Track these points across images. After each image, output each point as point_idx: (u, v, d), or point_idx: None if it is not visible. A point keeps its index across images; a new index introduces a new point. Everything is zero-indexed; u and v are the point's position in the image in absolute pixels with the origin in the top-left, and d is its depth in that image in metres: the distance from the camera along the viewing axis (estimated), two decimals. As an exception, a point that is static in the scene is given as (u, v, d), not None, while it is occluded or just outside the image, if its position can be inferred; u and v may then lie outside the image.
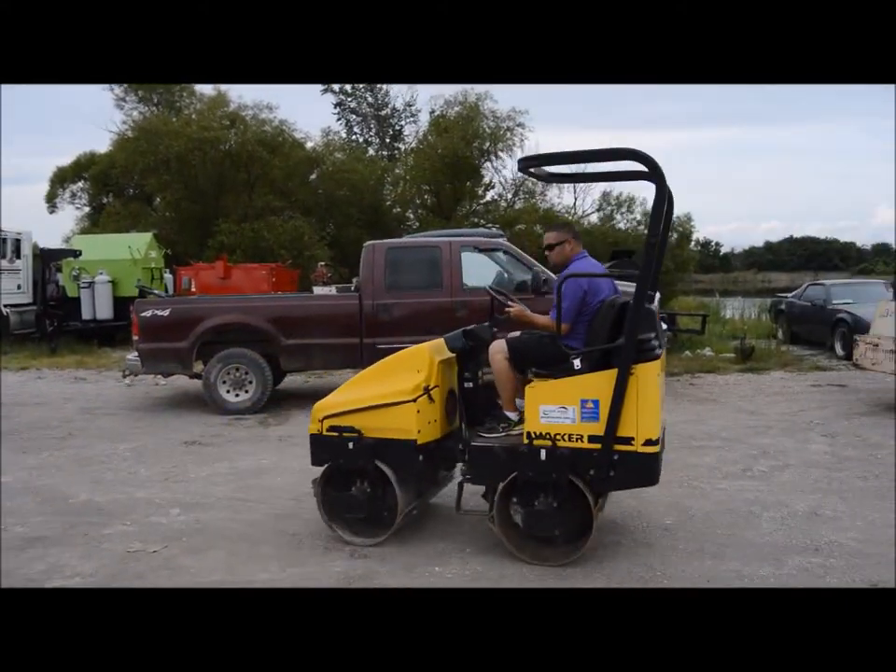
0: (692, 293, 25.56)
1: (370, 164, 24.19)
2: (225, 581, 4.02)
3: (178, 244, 21.21)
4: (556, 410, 4.12)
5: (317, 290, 11.33)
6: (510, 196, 23.80)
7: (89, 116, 66.80)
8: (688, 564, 4.19)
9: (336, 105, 31.15)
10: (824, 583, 3.90)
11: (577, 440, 4.10)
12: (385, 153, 29.53)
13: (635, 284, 3.99)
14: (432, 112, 24.47)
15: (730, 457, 6.44)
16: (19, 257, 16.87)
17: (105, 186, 27.63)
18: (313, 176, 24.00)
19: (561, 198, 24.75)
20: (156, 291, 13.15)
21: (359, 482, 4.49)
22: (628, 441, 4.04)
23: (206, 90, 26.25)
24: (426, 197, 23.83)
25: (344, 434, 4.46)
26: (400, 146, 29.99)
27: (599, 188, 22.26)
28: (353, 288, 9.37)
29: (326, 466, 4.57)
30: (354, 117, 31.39)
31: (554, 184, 5.12)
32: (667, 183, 3.86)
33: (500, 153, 22.95)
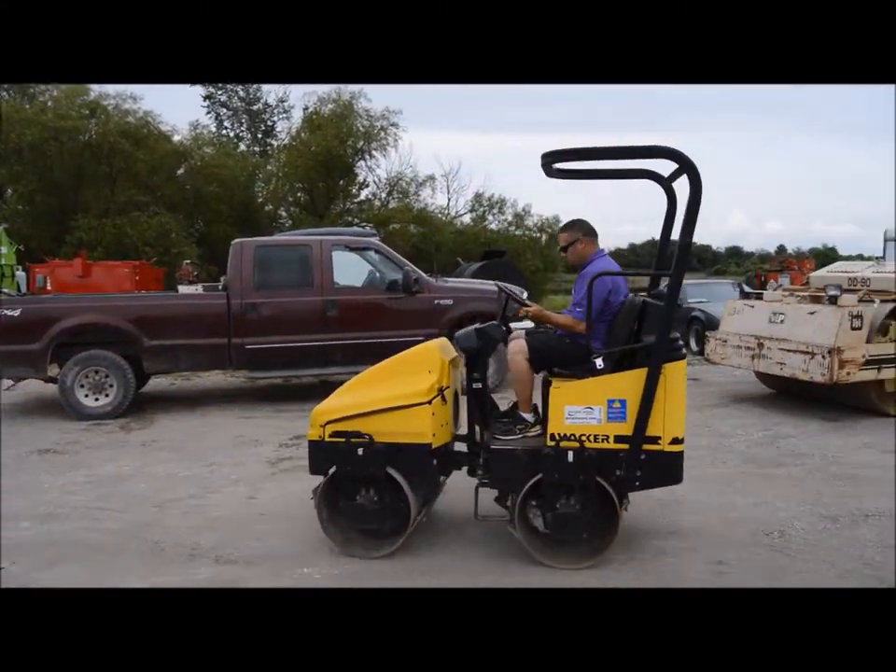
0: (560, 292, 26.32)
1: (241, 160, 23.62)
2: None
3: (32, 239, 19.98)
4: (582, 410, 4.05)
5: (183, 289, 10.97)
6: (384, 195, 23.85)
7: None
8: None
9: (205, 98, 30.22)
10: (679, 562, 4.14)
11: (603, 440, 4.05)
12: (256, 149, 28.89)
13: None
14: (305, 109, 24.19)
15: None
16: None
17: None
18: (180, 171, 23.20)
19: (434, 198, 24.99)
20: (6, 290, 12.33)
21: (365, 490, 4.22)
22: (655, 440, 4.03)
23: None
24: (299, 195, 23.52)
25: (353, 440, 4.18)
26: (273, 142, 29.43)
27: (472, 189, 22.67)
28: (220, 287, 9.12)
29: (329, 475, 4.24)
30: (224, 111, 30.54)
31: (565, 179, 4.65)
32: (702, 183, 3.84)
33: (374, 152, 22.96)
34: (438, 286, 9.34)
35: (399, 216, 21.40)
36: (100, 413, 8.13)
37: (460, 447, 4.54)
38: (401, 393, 4.20)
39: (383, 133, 22.70)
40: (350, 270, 9.03)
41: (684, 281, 10.85)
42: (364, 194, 24.34)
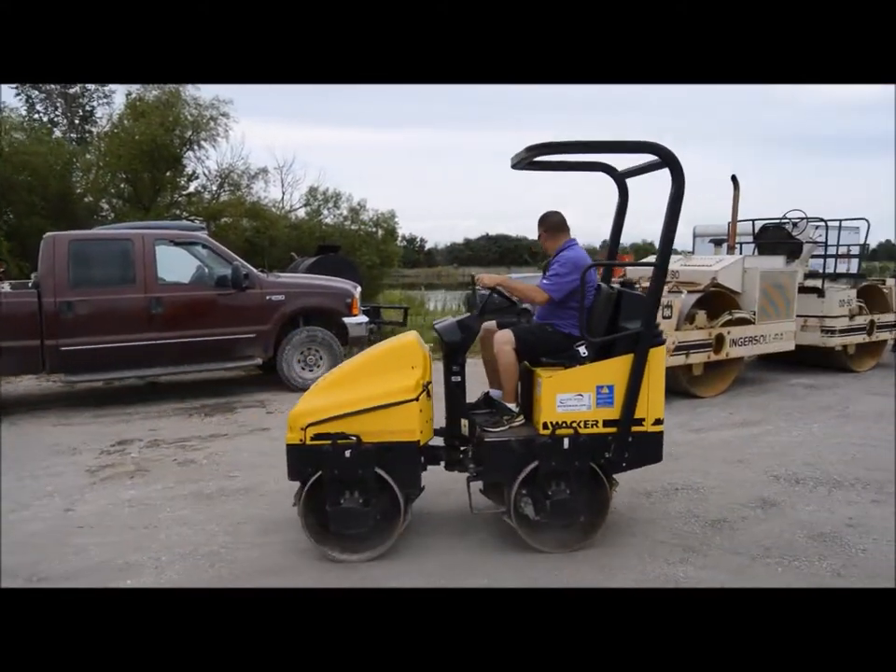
0: (398, 287, 26.54)
1: (55, 147, 21.92)
2: None
3: None
4: (573, 398, 4.15)
5: (-12, 287, 10.10)
6: (214, 188, 22.98)
7: None
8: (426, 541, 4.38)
9: (12, 80, 27.84)
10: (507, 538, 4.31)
11: (593, 425, 4.18)
12: (73, 136, 26.98)
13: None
14: (128, 94, 22.83)
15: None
16: None
17: None
18: (-15, 158, 21.29)
19: (268, 192, 24.42)
20: None
21: (350, 493, 4.07)
22: (640, 422, 4.22)
23: None
24: (122, 186, 22.20)
25: (339, 441, 4.03)
26: (92, 129, 27.57)
27: (307, 182, 22.33)
28: (30, 285, 8.49)
29: (312, 479, 4.08)
30: (36, 93, 28.28)
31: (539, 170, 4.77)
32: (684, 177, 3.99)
33: (204, 142, 22.07)
34: (269, 281, 9.18)
35: (231, 209, 20.71)
36: None
37: (435, 441, 4.47)
38: (387, 390, 4.11)
39: (212, 123, 21.83)
40: (176, 265, 8.68)
41: (513, 276, 11.34)
42: (193, 186, 23.31)
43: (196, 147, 22.22)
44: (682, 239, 14.42)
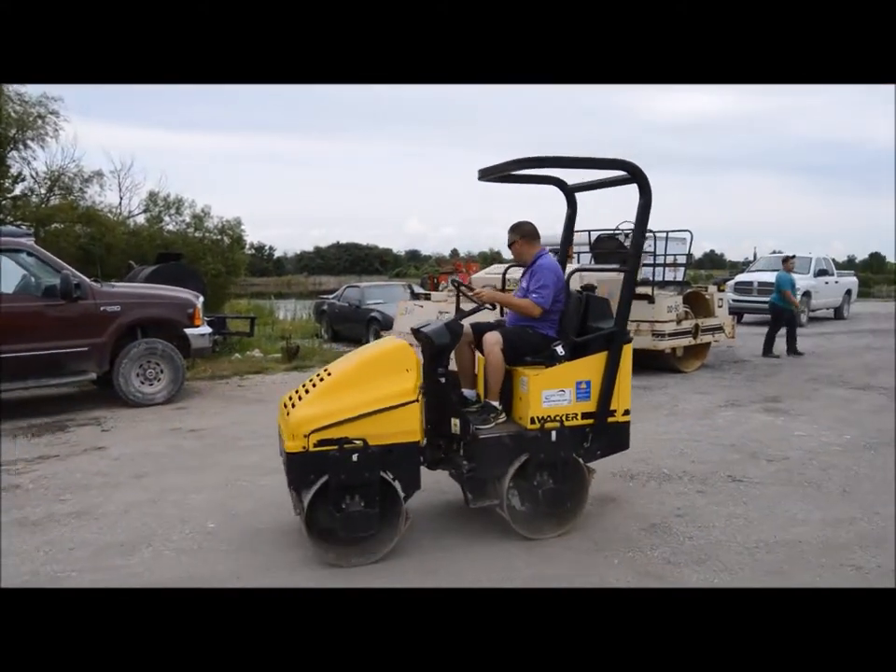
0: (246, 296, 25.88)
1: None
2: None
3: None
4: (556, 393, 4.49)
5: None
6: (43, 191, 21.50)
7: None
8: (224, 562, 4.29)
9: None
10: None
11: (573, 418, 4.54)
12: None
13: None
14: (-60, 89, 20.98)
15: (273, 453, 6.66)
16: None
17: None
18: None
19: (104, 196, 23.04)
20: None
21: (350, 497, 4.11)
22: (612, 413, 4.64)
23: None
24: (-65, 187, 20.35)
25: (346, 446, 4.05)
26: None
27: (147, 187, 21.31)
28: None
29: (318, 485, 4.05)
30: None
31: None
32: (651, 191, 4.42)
33: (30, 142, 20.59)
34: (103, 291, 8.69)
35: (62, 214, 19.38)
36: None
37: None
38: (388, 393, 4.19)
39: (40, 121, 20.44)
40: (-2, 274, 8.06)
41: (362, 284, 11.26)
42: (19, 189, 21.68)
43: (22, 147, 20.70)
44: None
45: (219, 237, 18.60)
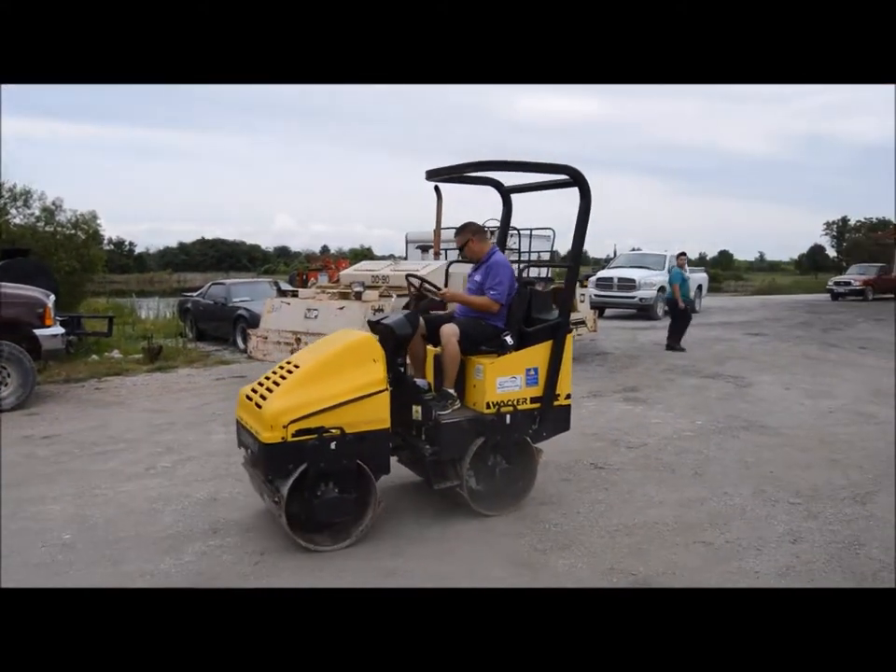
0: (106, 294, 24.64)
1: None
2: None
3: None
4: (508, 380, 4.85)
5: None
6: None
7: None
8: (87, 574, 4.09)
9: None
10: (222, 561, 4.23)
11: (523, 402, 4.90)
12: None
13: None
14: None
15: (134, 458, 6.44)
16: None
17: None
18: None
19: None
20: None
21: (324, 484, 4.29)
22: (556, 397, 5.05)
23: None
24: None
25: (325, 434, 4.19)
26: None
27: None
28: None
29: (296, 473, 4.18)
30: None
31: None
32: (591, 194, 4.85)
33: None
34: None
35: None
36: None
37: None
38: (360, 383, 4.36)
39: None
40: None
41: (228, 281, 11.02)
42: None
43: None
44: (402, 244, 14.94)
45: (73, 232, 17.55)
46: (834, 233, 78.03)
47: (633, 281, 19.74)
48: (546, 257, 13.46)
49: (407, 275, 5.51)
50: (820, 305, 26.42)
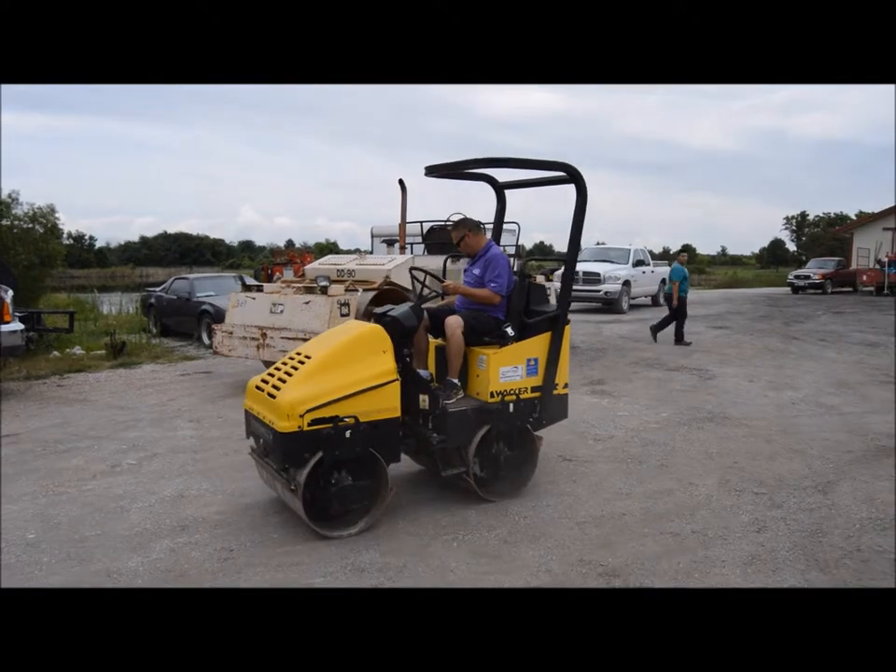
0: (66, 289, 24.21)
1: None
2: None
3: None
4: (511, 370, 5.02)
5: None
6: None
7: None
8: (56, 573, 4.02)
9: None
10: (191, 558, 4.17)
11: (524, 391, 5.09)
12: None
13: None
14: None
15: (99, 456, 6.34)
16: None
17: None
18: None
19: None
20: None
21: (338, 472, 4.40)
22: (555, 386, 5.26)
23: None
24: None
25: (340, 423, 4.29)
26: None
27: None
28: None
29: (313, 462, 4.28)
30: None
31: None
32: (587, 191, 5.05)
33: None
34: None
35: None
36: None
37: None
38: (373, 373, 4.46)
39: None
40: None
41: (192, 276, 10.89)
42: None
43: None
44: (367, 238, 14.82)
45: (31, 225, 17.18)
46: (794, 228, 79.59)
47: (598, 275, 19.86)
48: (511, 251, 13.49)
49: (411, 269, 5.53)
50: (781, 298, 26.88)
